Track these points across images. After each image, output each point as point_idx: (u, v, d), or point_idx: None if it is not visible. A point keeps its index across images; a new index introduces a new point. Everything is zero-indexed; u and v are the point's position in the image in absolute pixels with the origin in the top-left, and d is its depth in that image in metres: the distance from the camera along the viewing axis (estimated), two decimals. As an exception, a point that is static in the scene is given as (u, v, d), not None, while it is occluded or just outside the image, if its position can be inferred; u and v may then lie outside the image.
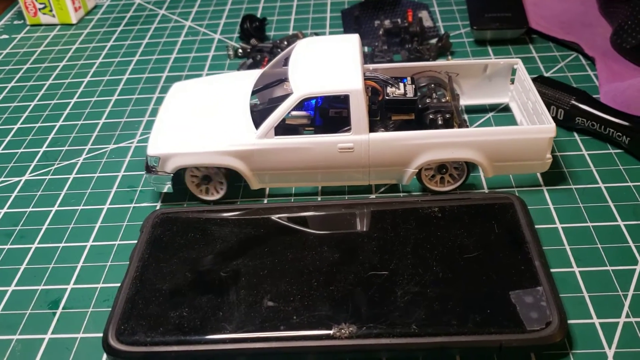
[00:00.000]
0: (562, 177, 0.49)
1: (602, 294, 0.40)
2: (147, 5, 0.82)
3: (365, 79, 0.48)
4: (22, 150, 0.58)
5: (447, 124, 0.49)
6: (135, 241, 0.45)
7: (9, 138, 0.60)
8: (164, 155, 0.47)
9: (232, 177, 0.49)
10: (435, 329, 0.37)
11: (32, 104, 0.65)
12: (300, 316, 0.38)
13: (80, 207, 0.50)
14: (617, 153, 0.51)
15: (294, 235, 0.44)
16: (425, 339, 0.37)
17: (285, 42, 0.68)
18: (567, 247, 0.43)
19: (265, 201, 0.50)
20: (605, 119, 0.51)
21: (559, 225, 0.45)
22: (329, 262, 0.41)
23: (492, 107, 0.57)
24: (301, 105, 0.47)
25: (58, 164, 0.56)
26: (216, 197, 0.49)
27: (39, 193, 0.53)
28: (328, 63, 0.48)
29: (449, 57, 0.64)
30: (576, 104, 0.52)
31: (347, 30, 0.71)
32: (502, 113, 0.57)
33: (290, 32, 0.72)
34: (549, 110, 0.54)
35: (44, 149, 0.58)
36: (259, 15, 0.75)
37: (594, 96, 0.54)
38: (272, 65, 0.53)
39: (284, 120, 0.47)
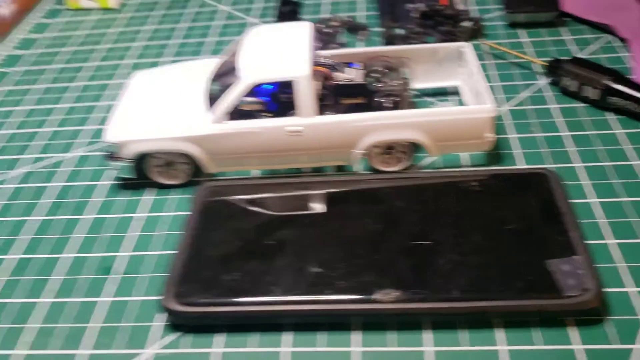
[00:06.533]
0: (596, 155, 0.51)
1: (638, 265, 0.41)
2: (184, -11, 0.84)
3: (315, 64, 0.50)
4: (67, 128, 0.61)
5: (396, 107, 0.50)
6: (186, 212, 0.48)
7: (54, 117, 0.63)
8: (121, 142, 0.49)
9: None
10: (477, 295, 0.39)
11: (76, 84, 0.67)
12: (346, 281, 0.40)
13: (131, 182, 0.53)
14: (651, 132, 0.52)
15: (337, 207, 0.46)
16: (467, 303, 0.38)
17: (322, 25, 0.70)
18: (602, 221, 0.45)
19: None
20: (641, 98, 0.52)
21: (593, 200, 0.47)
22: (372, 232, 0.43)
23: (444, 90, 0.59)
24: (253, 91, 0.48)
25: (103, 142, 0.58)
26: (178, 181, 0.51)
27: (88, 168, 0.55)
28: (277, 50, 0.50)
29: (483, 40, 0.65)
30: (611, 84, 0.54)
31: (382, 13, 0.72)
32: (452, 96, 0.58)
33: (325, 15, 0.74)
34: (582, 90, 0.55)
35: (88, 127, 0.60)
36: (293, -1, 0.77)
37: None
38: (232, 53, 0.55)
39: (239, 106, 0.49)
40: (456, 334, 0.39)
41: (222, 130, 0.49)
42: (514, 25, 0.68)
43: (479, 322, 0.39)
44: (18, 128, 0.61)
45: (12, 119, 0.63)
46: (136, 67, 0.69)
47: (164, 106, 0.52)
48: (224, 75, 0.55)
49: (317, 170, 0.52)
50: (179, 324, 0.41)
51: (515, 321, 0.39)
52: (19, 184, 0.54)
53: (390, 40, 0.67)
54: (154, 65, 0.68)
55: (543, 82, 0.60)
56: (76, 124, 0.61)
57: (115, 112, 0.52)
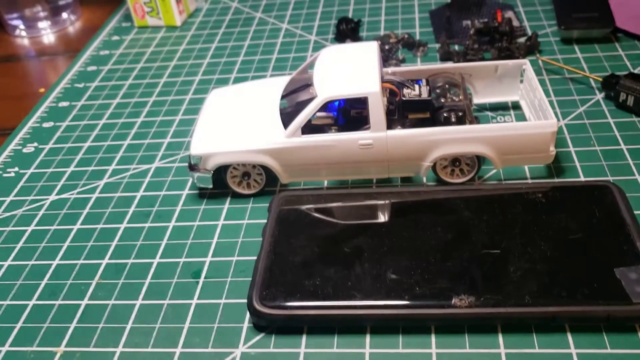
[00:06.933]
0: (656, 168, 0.53)
1: (702, 274, 0.43)
2: (244, 8, 0.88)
3: (383, 81, 0.53)
4: (148, 140, 0.64)
5: (460, 122, 0.53)
6: (261, 220, 0.51)
7: (134, 130, 0.67)
8: (205, 155, 0.53)
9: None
10: (547, 300, 0.41)
11: (151, 99, 0.71)
12: (422, 288, 0.43)
13: (209, 191, 0.56)
14: None
15: (408, 216, 0.48)
16: (538, 308, 0.41)
17: (379, 42, 0.72)
18: (665, 231, 0.47)
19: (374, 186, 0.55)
20: (698, 112, 0.54)
21: (655, 211, 0.48)
22: (444, 241, 0.46)
23: (504, 105, 0.61)
24: (325, 106, 0.52)
25: (183, 154, 0.62)
26: (255, 190, 0.55)
27: (170, 179, 0.59)
28: (348, 68, 0.53)
29: (538, 55, 0.67)
30: (668, 98, 0.55)
31: (437, 30, 0.75)
32: (512, 110, 0.61)
33: (382, 32, 0.77)
34: (639, 105, 0.57)
35: (168, 140, 0.64)
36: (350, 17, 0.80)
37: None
38: (299, 71, 0.59)
39: (310, 120, 0.52)
40: (527, 337, 0.41)
41: (297, 144, 0.52)
42: (567, 41, 0.70)
43: (550, 326, 0.41)
44: (101, 141, 0.66)
45: (95, 132, 0.67)
46: (204, 83, 0.73)
47: (242, 121, 0.55)
48: (295, 92, 0.58)
49: (384, 182, 0.55)
50: (263, 325, 0.44)
51: (584, 326, 0.41)
52: (108, 193, 0.58)
53: (446, 56, 0.70)
54: (221, 81, 0.72)
55: (599, 96, 0.62)
56: (155, 137, 0.65)
57: (198, 126, 0.56)
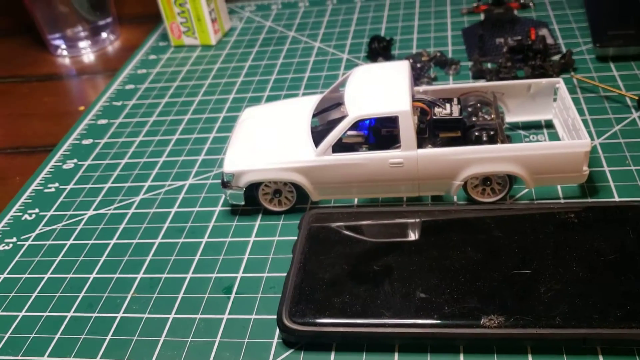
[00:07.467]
0: (694, 188, 0.52)
1: None
2: (277, 27, 0.90)
3: (414, 100, 0.53)
4: (183, 157, 0.66)
5: (492, 140, 0.53)
6: (291, 237, 0.52)
7: (170, 147, 0.68)
8: (237, 172, 0.54)
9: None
10: (578, 322, 0.40)
11: (186, 117, 0.73)
12: (451, 307, 0.43)
13: (241, 208, 0.57)
14: None
15: (437, 235, 0.48)
16: (569, 330, 0.40)
17: (411, 60, 0.73)
18: (703, 253, 0.46)
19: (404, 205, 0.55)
20: None
21: (692, 233, 0.47)
22: (474, 261, 0.46)
23: (537, 123, 0.61)
24: (356, 125, 0.52)
25: (216, 171, 0.63)
26: (285, 208, 0.56)
27: (203, 195, 0.60)
28: (379, 87, 0.54)
29: (572, 73, 0.67)
30: None
31: (469, 47, 0.75)
32: (544, 129, 0.61)
33: (414, 50, 0.77)
34: (677, 123, 0.56)
35: (202, 157, 0.66)
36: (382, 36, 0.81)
37: None
38: (331, 90, 0.60)
39: (340, 139, 0.53)
40: (558, 359, 0.41)
41: (328, 162, 0.53)
42: (603, 59, 0.70)
43: (581, 348, 0.41)
44: (138, 158, 0.67)
45: (132, 150, 0.69)
46: (237, 101, 0.74)
47: (274, 139, 0.56)
48: (326, 111, 0.59)
49: (414, 200, 0.55)
50: (292, 342, 0.44)
51: (616, 349, 0.40)
52: (143, 209, 0.60)
53: (479, 74, 0.70)
54: (254, 99, 0.74)
55: (634, 115, 0.61)
56: (189, 154, 0.66)
57: (231, 144, 0.57)
